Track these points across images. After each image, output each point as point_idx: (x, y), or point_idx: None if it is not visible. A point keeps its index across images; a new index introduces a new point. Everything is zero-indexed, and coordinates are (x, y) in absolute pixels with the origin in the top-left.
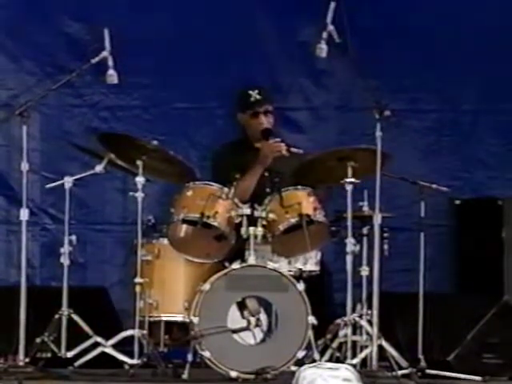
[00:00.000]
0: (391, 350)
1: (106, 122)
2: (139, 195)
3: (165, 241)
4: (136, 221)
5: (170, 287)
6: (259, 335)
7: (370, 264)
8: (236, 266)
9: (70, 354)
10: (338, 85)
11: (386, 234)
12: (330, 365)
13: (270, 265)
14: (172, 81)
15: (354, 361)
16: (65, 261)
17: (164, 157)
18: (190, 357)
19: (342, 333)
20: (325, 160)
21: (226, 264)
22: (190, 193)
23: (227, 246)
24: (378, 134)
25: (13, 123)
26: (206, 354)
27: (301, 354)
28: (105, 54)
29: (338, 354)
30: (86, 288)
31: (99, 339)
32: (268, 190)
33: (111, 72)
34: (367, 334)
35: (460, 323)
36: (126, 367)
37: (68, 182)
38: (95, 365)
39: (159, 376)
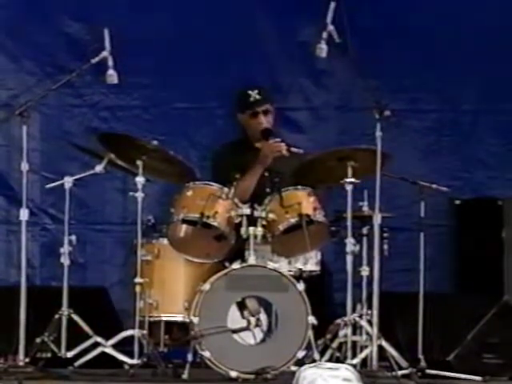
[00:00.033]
0: (391, 350)
1: (106, 122)
2: (139, 195)
3: (165, 241)
4: (136, 221)
5: (170, 287)
6: (259, 335)
7: (370, 264)
8: (236, 265)
9: (70, 354)
10: (338, 85)
11: (385, 234)
12: (330, 365)
13: (270, 265)
14: (172, 81)
15: (354, 361)
16: (65, 261)
17: (164, 157)
18: (190, 357)
19: (341, 333)
20: (325, 160)
21: (226, 264)
22: (189, 193)
23: (227, 246)
24: (378, 134)
25: (13, 123)
26: (206, 354)
27: (301, 353)
28: (105, 54)
29: (338, 354)
30: (85, 288)
31: (99, 339)
32: (268, 189)
33: (111, 72)
34: (367, 333)
35: (460, 323)
36: (126, 367)
37: (68, 181)
38: (95, 365)
39: (159, 376)
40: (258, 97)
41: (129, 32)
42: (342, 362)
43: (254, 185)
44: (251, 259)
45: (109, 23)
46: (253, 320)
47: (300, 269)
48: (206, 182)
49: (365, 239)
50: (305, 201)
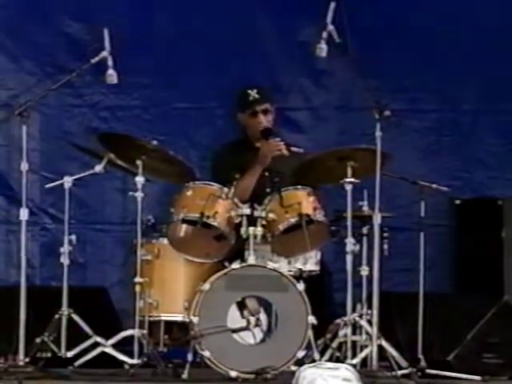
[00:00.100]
0: (391, 350)
1: (105, 122)
2: (139, 195)
3: (164, 241)
4: (136, 221)
5: (170, 287)
6: (259, 335)
7: (369, 264)
8: (236, 265)
9: (69, 354)
10: (338, 85)
11: (385, 234)
12: (329, 365)
13: (270, 265)
14: (172, 81)
15: (354, 361)
16: (65, 261)
17: (164, 157)
18: (189, 357)
19: (341, 333)
20: (325, 160)
21: (226, 264)
22: (189, 193)
23: (227, 246)
24: (378, 134)
25: (13, 123)
26: (206, 353)
27: (301, 353)
28: (105, 53)
29: (338, 354)
30: (85, 288)
31: (99, 339)
32: (268, 189)
33: (111, 72)
34: (367, 333)
35: (460, 323)
36: (126, 367)
37: (68, 181)
38: (95, 365)
39: (159, 376)
40: (257, 96)
41: (129, 32)
42: (342, 362)
43: (253, 184)
44: (251, 259)
45: (109, 23)
46: (253, 320)
47: (300, 269)
48: (206, 182)
49: (365, 239)
50: (305, 200)
